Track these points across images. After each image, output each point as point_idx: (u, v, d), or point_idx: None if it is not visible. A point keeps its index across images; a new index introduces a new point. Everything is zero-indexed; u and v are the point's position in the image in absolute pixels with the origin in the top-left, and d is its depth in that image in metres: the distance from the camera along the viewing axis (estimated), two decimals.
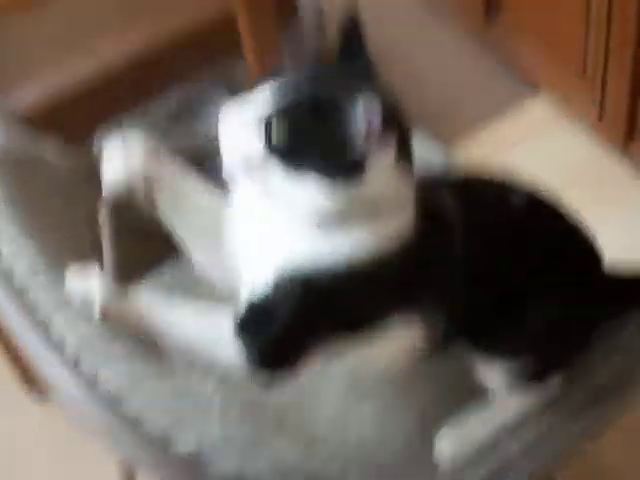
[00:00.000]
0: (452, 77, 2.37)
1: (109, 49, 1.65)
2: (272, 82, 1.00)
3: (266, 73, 1.04)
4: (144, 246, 1.45)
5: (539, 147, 2.17)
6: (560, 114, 2.21)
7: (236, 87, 1.98)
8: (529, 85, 2.26)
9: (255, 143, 0.98)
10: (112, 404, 0.86)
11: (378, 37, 2.43)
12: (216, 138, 1.01)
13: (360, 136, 0.96)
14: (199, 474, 0.84)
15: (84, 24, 1.69)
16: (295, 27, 2.18)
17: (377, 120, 0.95)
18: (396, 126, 1.00)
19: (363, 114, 0.95)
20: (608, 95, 1.99)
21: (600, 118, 2.05)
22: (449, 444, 1.21)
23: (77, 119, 1.62)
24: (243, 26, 1.60)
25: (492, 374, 1.20)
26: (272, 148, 0.97)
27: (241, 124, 0.99)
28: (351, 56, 1.04)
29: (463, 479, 1.19)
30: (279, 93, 0.99)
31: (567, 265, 1.20)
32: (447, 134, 2.03)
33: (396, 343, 1.11)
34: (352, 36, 1.05)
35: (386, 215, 1.02)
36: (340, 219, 1.00)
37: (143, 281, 1.40)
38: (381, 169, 0.99)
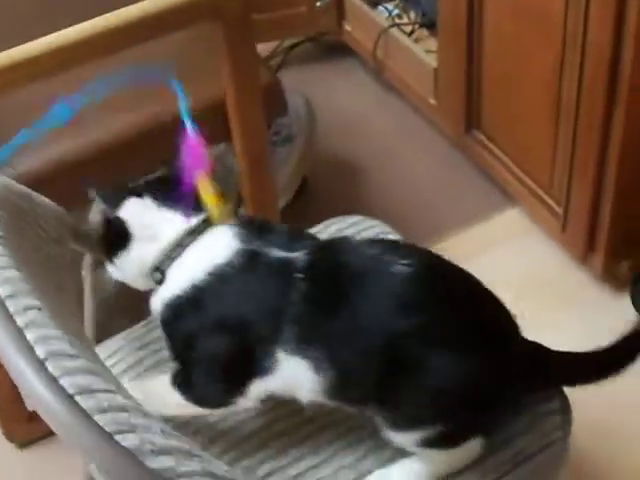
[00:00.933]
0: (432, 181, 2.52)
1: (111, 123, 1.77)
2: None
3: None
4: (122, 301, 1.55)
5: (505, 255, 2.29)
6: (528, 224, 2.34)
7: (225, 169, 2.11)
8: (503, 194, 2.40)
9: None
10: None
11: (372, 136, 2.57)
12: None
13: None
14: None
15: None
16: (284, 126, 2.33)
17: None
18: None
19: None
20: (571, 209, 2.12)
21: (564, 230, 2.18)
22: None
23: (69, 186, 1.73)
24: (232, 113, 1.74)
25: (402, 438, 1.25)
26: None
27: None
28: None
29: None
30: None
31: (474, 328, 1.21)
32: (418, 237, 2.09)
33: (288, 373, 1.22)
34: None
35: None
36: (149, 268, 1.30)
37: (119, 332, 1.52)
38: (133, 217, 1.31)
